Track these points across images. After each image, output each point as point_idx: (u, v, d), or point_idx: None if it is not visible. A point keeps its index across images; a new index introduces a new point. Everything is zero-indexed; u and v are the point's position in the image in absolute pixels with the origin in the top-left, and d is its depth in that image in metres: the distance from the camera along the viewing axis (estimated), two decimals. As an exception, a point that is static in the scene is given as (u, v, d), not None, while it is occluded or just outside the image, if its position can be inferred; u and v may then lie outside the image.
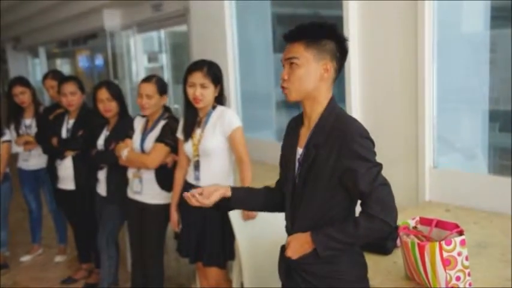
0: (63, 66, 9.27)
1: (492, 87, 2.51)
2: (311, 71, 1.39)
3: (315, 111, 1.43)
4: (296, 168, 1.45)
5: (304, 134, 1.46)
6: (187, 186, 2.40)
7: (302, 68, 1.39)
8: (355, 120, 1.41)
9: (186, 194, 1.50)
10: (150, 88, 2.56)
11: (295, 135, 1.49)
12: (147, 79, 2.64)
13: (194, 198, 1.48)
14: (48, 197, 3.80)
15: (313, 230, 1.39)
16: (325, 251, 1.37)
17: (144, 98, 2.55)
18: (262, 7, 4.01)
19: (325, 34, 1.40)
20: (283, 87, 1.42)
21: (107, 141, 2.89)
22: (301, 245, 1.42)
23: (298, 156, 1.45)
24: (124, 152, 2.62)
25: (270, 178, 2.09)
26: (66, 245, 3.96)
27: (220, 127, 2.28)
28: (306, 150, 1.42)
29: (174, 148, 2.54)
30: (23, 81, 3.76)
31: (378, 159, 1.39)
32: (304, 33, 1.39)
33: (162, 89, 2.62)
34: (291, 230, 1.49)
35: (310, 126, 1.44)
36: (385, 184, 1.35)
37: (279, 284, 1.59)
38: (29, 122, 3.73)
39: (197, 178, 2.35)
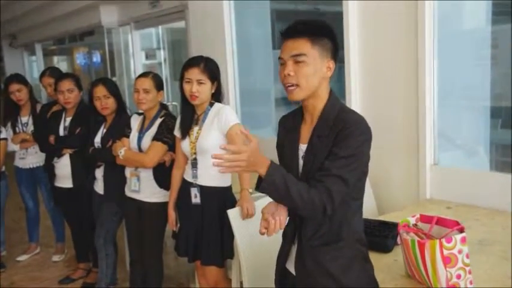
0: (60, 64, 9.25)
1: (493, 84, 2.49)
2: (318, 69, 1.36)
3: (316, 108, 1.41)
4: (300, 165, 1.41)
5: (306, 130, 1.43)
6: (185, 185, 2.39)
7: (310, 66, 1.35)
8: (357, 114, 1.40)
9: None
10: (148, 83, 2.55)
11: (295, 133, 1.46)
12: (144, 74, 2.65)
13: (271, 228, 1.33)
14: (45, 195, 3.78)
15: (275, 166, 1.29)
16: (268, 181, 1.27)
17: (141, 93, 2.54)
18: (262, 3, 3.99)
19: (326, 33, 1.37)
20: (291, 84, 1.36)
21: (104, 138, 2.87)
22: (257, 161, 1.27)
23: (301, 153, 1.42)
24: (121, 151, 2.59)
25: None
26: (64, 244, 3.93)
27: (218, 124, 2.26)
28: (310, 144, 1.39)
29: (172, 146, 2.52)
30: (19, 78, 3.73)
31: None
32: (309, 30, 1.35)
33: (159, 84, 2.61)
34: (298, 229, 1.43)
35: (313, 122, 1.42)
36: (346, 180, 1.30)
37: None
38: (26, 119, 3.70)
39: (195, 176, 2.33)
